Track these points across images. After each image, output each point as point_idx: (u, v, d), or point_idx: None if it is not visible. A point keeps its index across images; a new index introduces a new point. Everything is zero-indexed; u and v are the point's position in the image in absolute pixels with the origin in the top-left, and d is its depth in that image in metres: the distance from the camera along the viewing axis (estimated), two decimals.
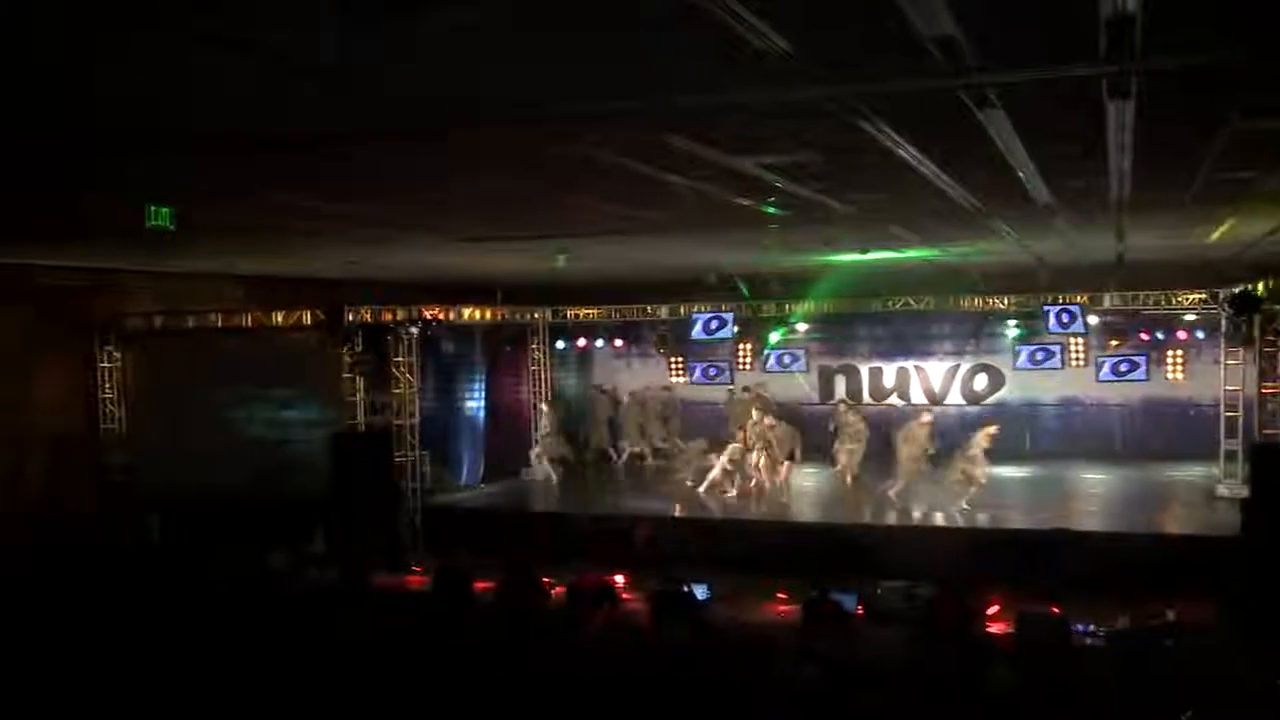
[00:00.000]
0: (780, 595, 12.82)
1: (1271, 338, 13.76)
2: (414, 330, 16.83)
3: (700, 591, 12.02)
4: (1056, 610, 10.53)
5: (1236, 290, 13.99)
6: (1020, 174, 8.43)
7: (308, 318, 16.62)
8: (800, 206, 10.05)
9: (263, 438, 18.11)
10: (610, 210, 10.33)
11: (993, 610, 11.54)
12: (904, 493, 17.28)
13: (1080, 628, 10.90)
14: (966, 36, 4.60)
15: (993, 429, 17.08)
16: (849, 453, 19.10)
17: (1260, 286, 13.32)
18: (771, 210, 10.31)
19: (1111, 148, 7.36)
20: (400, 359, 17.03)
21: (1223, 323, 17.13)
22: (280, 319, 17.00)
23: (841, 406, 20.48)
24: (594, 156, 7.33)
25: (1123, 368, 19.01)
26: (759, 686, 8.93)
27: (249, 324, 17.17)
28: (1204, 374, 19.91)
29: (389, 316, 16.69)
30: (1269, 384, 13.92)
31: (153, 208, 8.69)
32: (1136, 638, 10.01)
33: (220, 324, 17.21)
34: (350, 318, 16.22)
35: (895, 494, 17.28)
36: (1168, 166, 8.44)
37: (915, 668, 8.91)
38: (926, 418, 18.01)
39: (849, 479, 18.86)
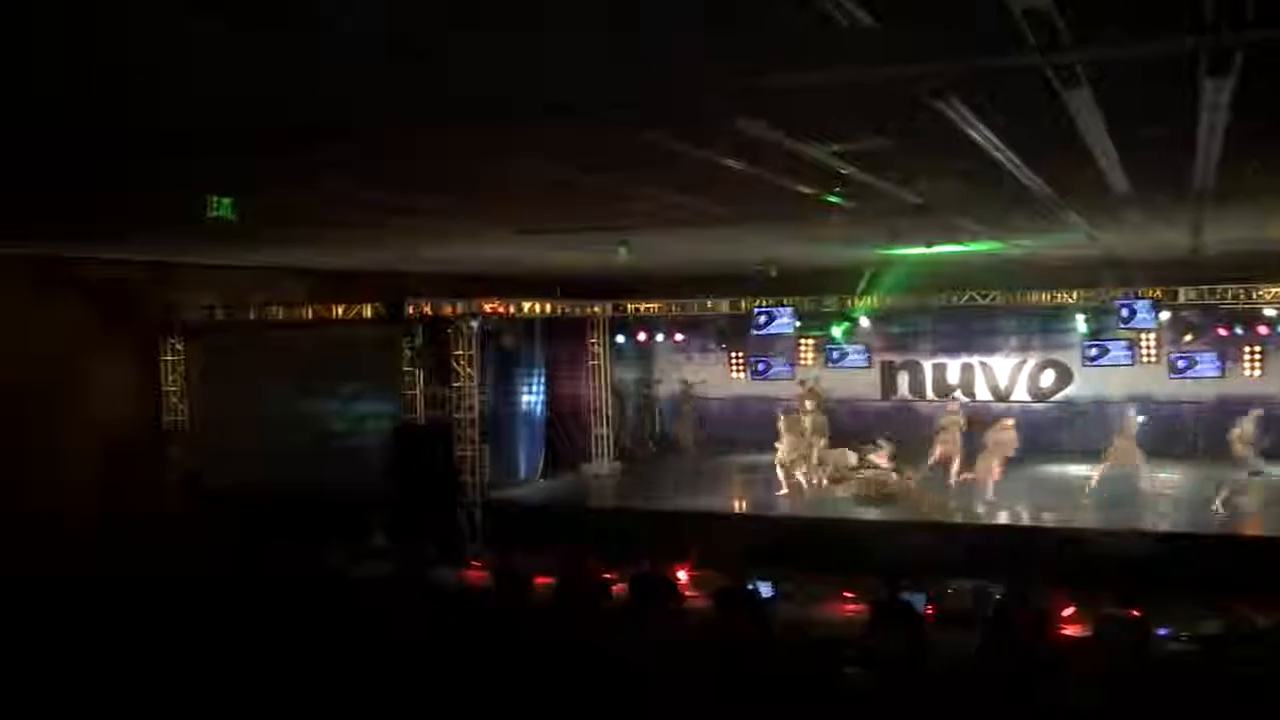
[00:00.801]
0: (847, 594, 12.57)
1: None
2: (474, 324, 16.78)
3: (765, 589, 11.82)
4: (1136, 614, 10.18)
5: None
6: (1101, 160, 8.14)
7: (368, 311, 16.61)
8: (869, 197, 9.81)
9: (324, 432, 18.17)
10: (674, 201, 10.15)
11: (1068, 613, 11.20)
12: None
13: (1163, 632, 10.55)
14: (1058, 7, 4.37)
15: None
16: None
17: None
18: (840, 201, 10.07)
19: (1201, 132, 7.07)
20: (460, 352, 16.98)
21: None
22: (340, 312, 17.01)
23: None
24: (660, 144, 7.16)
25: (1195, 364, 18.56)
26: (824, 686, 8.73)
27: (310, 317, 17.18)
28: None
29: (449, 310, 16.65)
30: None
31: (215, 199, 8.67)
32: (1225, 641, 9.67)
33: (281, 317, 17.24)
34: (410, 311, 16.19)
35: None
36: (1258, 154, 8.11)
37: (986, 672, 8.65)
38: (1009, 420, 17.92)
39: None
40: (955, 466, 18.27)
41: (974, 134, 6.89)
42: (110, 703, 8.69)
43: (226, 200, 8.74)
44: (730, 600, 10.70)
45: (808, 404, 19.54)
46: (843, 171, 8.41)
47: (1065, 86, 5.58)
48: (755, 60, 5.20)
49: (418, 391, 17.06)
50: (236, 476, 15.68)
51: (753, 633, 9.85)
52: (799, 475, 18.54)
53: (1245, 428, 17.68)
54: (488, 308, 17.02)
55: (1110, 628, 9.87)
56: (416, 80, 5.39)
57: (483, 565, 15.10)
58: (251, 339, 17.49)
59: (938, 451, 18.56)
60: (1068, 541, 14.26)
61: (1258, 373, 20.04)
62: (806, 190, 9.36)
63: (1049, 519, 16.26)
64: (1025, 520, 16.56)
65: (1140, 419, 17.46)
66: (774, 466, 18.94)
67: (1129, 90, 5.87)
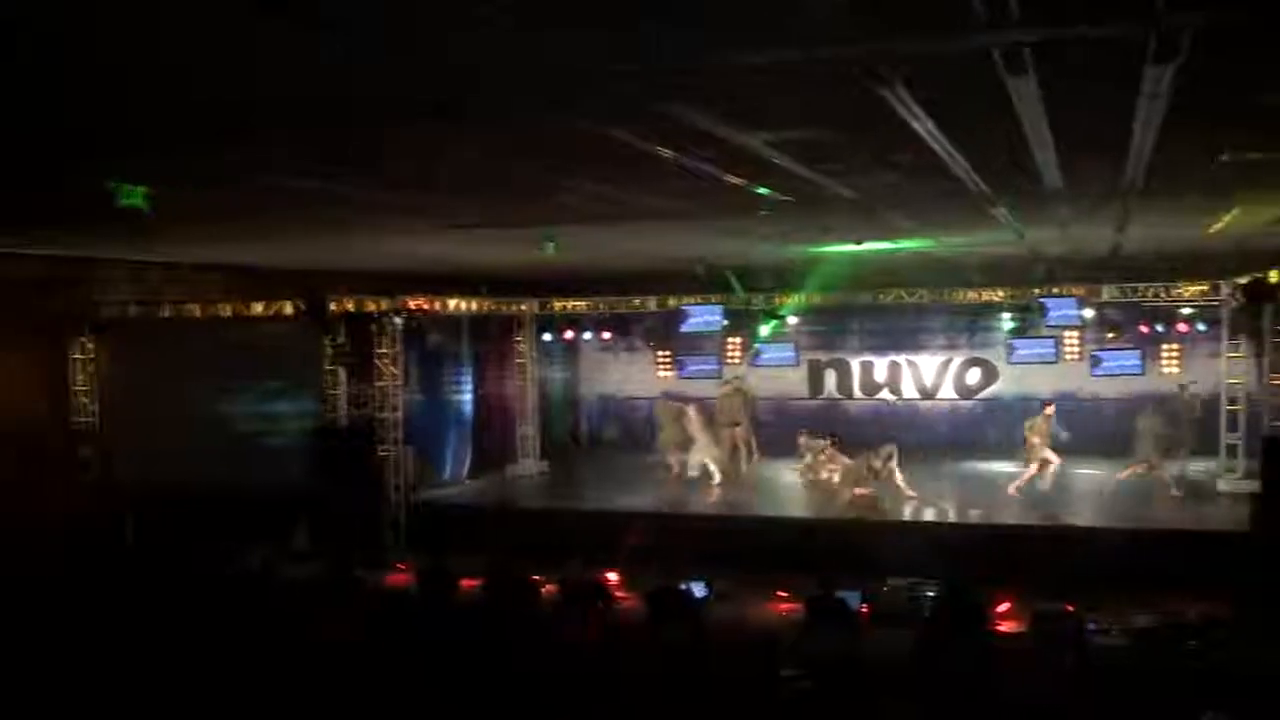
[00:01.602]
0: (781, 594, 12.44)
1: None
2: (398, 321, 16.41)
3: (698, 589, 11.64)
4: (1070, 608, 10.18)
5: (1246, 279, 13.65)
6: (1037, 154, 8.10)
7: (289, 308, 16.16)
8: (802, 191, 9.69)
9: (244, 431, 17.66)
10: (604, 193, 9.94)
11: (1003, 608, 11.19)
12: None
13: (1093, 625, 10.57)
14: None
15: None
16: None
17: (1273, 274, 13.03)
18: (772, 195, 9.94)
19: (1138, 123, 7.03)
20: (384, 351, 16.60)
21: (1224, 314, 16.89)
22: (260, 309, 16.51)
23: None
24: (591, 130, 6.94)
25: (1118, 361, 18.81)
26: (759, 687, 8.59)
27: (228, 314, 16.67)
28: (1200, 368, 19.70)
29: (372, 307, 16.26)
30: (1278, 375, 13.61)
31: (125, 187, 8.27)
32: (1159, 636, 9.69)
33: (198, 314, 16.72)
34: (332, 308, 15.77)
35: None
36: (1191, 147, 8.11)
37: (923, 668, 8.56)
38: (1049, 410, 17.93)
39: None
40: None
41: (914, 124, 6.77)
42: (24, 704, 8.32)
43: (138, 189, 8.34)
44: (663, 601, 10.51)
45: (732, 403, 19.59)
46: (776, 162, 8.26)
47: (1011, 73, 5.47)
48: (691, 41, 5.01)
49: (340, 390, 16.62)
50: (152, 476, 15.17)
51: (686, 634, 9.66)
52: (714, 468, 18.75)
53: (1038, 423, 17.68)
54: (412, 304, 16.64)
55: (1046, 623, 9.86)
56: (348, 71, 5.14)
57: (408, 567, 14.74)
58: (167, 336, 16.97)
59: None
60: (999, 537, 14.28)
61: (1176, 369, 20.35)
62: (738, 182, 9.19)
63: (975, 516, 16.36)
64: (952, 517, 16.65)
65: (1050, 413, 17.51)
66: (701, 466, 19.06)
67: (1071, 79, 5.80)
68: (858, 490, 16.91)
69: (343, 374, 16.52)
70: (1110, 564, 12.35)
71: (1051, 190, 9.93)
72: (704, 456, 19.13)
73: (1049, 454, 17.13)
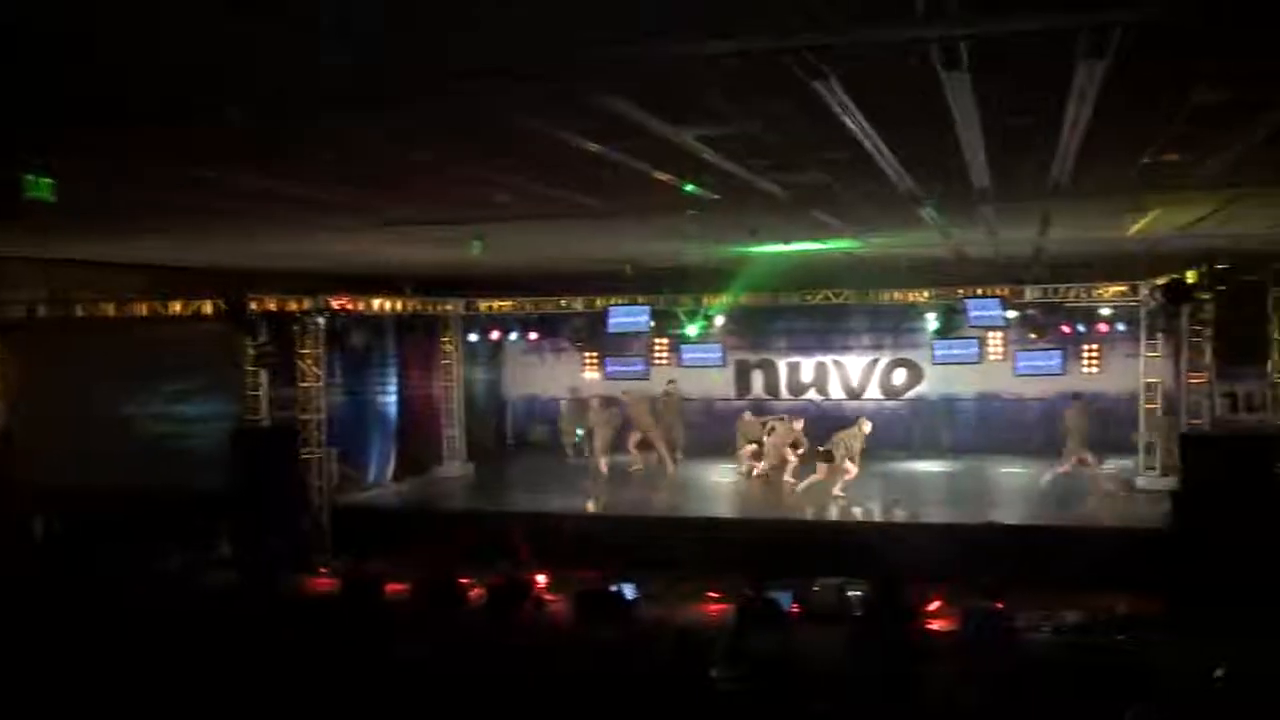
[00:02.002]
0: (711, 594, 12.38)
1: (1198, 327, 13.73)
2: (321, 321, 16.06)
3: (628, 591, 11.53)
4: (1000, 605, 10.25)
5: (1166, 280, 13.89)
6: (967, 153, 8.12)
7: (208, 307, 15.75)
8: (731, 189, 9.63)
9: (161, 434, 17.19)
10: (533, 190, 9.79)
11: (933, 606, 11.24)
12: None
13: (1022, 622, 10.64)
14: None
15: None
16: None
17: (1191, 275, 13.27)
18: (702, 193, 9.87)
19: (1067, 124, 7.08)
20: (306, 351, 16.25)
21: (1142, 315, 17.20)
22: (179, 308, 16.07)
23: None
24: (520, 124, 6.81)
25: (1039, 362, 19.08)
26: (690, 688, 8.50)
27: (145, 313, 16.20)
28: (1118, 368, 20.07)
29: (295, 306, 15.91)
30: (1196, 374, 13.88)
31: (32, 178, 7.93)
32: (1087, 631, 9.78)
33: (113, 313, 16.22)
34: (254, 307, 15.40)
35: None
36: (1116, 148, 8.19)
37: (853, 667, 8.53)
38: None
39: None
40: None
41: (846, 119, 6.74)
42: None
43: (45, 181, 8.01)
44: (592, 603, 10.39)
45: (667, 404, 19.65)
46: (706, 158, 8.19)
47: (946, 68, 5.44)
48: (626, 30, 4.91)
49: (262, 392, 16.24)
50: (64, 479, 14.69)
51: (616, 636, 9.54)
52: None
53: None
54: (335, 304, 16.31)
55: (976, 620, 9.91)
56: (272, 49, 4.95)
57: (331, 572, 14.43)
58: (81, 337, 16.46)
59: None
60: (927, 536, 14.36)
61: (1095, 369, 20.70)
62: (667, 178, 9.11)
63: (901, 515, 16.48)
64: (878, 516, 16.76)
65: (866, 429, 17.72)
66: (629, 467, 19.22)
67: (1005, 76, 5.80)
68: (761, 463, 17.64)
69: (264, 375, 16.14)
70: (1036, 561, 12.50)
71: (979, 190, 9.98)
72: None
73: (850, 465, 17.27)
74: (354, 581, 11.90)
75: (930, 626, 10.93)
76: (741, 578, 11.10)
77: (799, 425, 18.56)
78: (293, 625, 9.93)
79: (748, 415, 20.24)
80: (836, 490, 16.96)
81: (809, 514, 16.65)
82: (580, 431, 21.80)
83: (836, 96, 6.11)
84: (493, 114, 6.61)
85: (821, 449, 17.25)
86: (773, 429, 18.76)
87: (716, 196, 10.13)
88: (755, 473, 18.96)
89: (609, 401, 21.03)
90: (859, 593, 11.29)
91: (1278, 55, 5.59)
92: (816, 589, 11.87)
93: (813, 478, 17.27)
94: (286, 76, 5.44)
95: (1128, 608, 10.49)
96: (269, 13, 4.39)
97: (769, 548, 13.66)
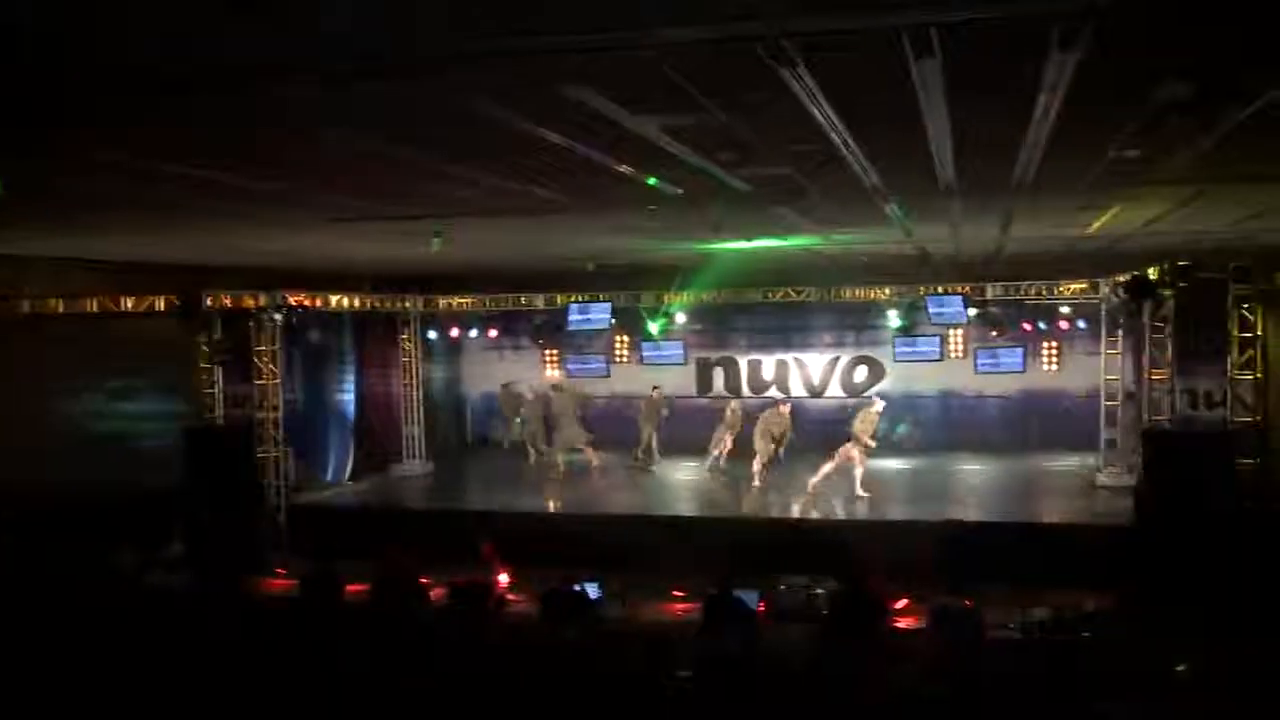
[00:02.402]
0: (677, 593, 12.27)
1: (1159, 324, 13.78)
2: (277, 317, 15.80)
3: (592, 590, 11.39)
4: (968, 603, 10.20)
5: (1126, 277, 13.93)
6: (934, 147, 8.06)
7: (161, 304, 15.44)
8: (696, 183, 9.52)
9: (112, 432, 16.83)
10: (491, 184, 9.62)
11: (901, 605, 11.18)
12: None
13: (990, 619, 10.59)
14: None
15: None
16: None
17: (1153, 271, 13.31)
18: (665, 187, 9.74)
19: (1035, 118, 7.03)
20: (263, 348, 15.99)
21: (1103, 312, 17.28)
22: (131, 305, 15.75)
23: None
24: (478, 113, 6.64)
25: (999, 359, 19.14)
26: (655, 689, 8.37)
27: (94, 309, 15.86)
28: (1078, 365, 20.19)
29: (250, 303, 15.65)
30: (1158, 371, 13.93)
31: None
32: (1055, 629, 9.75)
33: (62, 310, 15.86)
34: (208, 303, 15.11)
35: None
36: (1081, 142, 8.15)
37: (822, 667, 8.44)
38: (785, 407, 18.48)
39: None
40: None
41: (814, 110, 6.64)
42: None
43: None
44: (556, 603, 10.24)
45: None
46: (670, 150, 8.06)
47: (918, 56, 5.36)
48: (589, 15, 4.78)
49: (216, 389, 15.95)
50: (13, 475, 14.31)
51: (579, 636, 9.40)
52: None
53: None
54: (293, 300, 16.05)
55: (946, 619, 9.85)
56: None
57: (289, 573, 14.19)
58: (32, 333, 16.06)
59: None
60: (889, 534, 14.33)
61: (1055, 368, 20.81)
62: (629, 171, 8.98)
63: (863, 513, 16.47)
64: (840, 514, 16.72)
65: (878, 410, 17.76)
66: (590, 466, 19.37)
67: (976, 67, 5.73)
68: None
69: (219, 373, 15.86)
70: (1000, 558, 12.48)
71: (945, 186, 9.94)
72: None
73: (858, 453, 17.14)
74: (313, 581, 11.66)
75: (898, 625, 10.87)
76: (707, 577, 10.97)
77: (786, 409, 18.52)
78: (250, 625, 9.69)
79: (734, 404, 20.34)
80: (859, 490, 16.79)
81: (773, 512, 16.58)
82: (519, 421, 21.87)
83: (804, 84, 6.00)
84: (449, 103, 6.43)
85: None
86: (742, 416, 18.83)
87: (680, 191, 10.01)
88: (723, 463, 19.08)
89: (540, 393, 21.20)
90: (826, 591, 11.21)
91: (1239, 51, 5.56)
92: (783, 588, 11.79)
93: (825, 469, 17.10)
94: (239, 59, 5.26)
95: (1095, 605, 10.47)
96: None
97: (734, 546, 13.56)
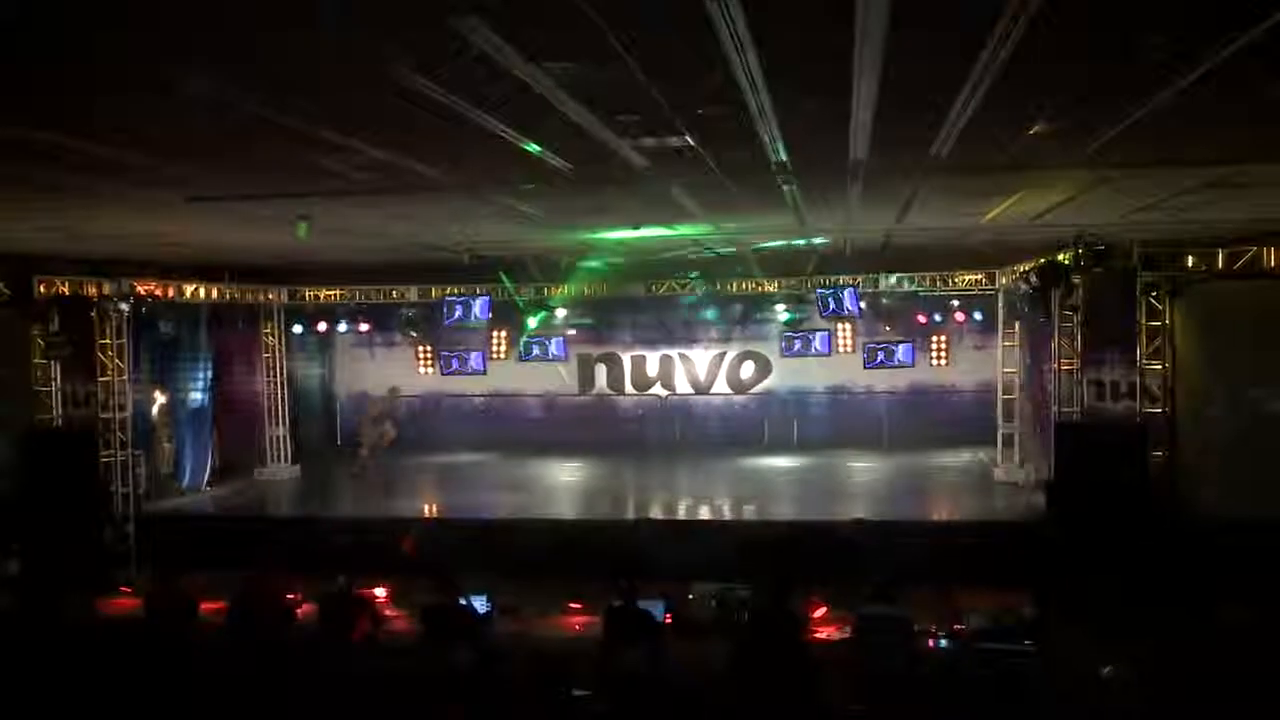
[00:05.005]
0: (574, 605, 11.40)
1: (1068, 312, 13.47)
2: (124, 308, 14.45)
3: (479, 603, 10.42)
4: (897, 612, 9.52)
5: (1041, 262, 13.55)
6: (855, 113, 7.42)
7: None
8: (586, 155, 8.72)
9: None
10: (366, 157, 8.66)
11: (819, 614, 10.50)
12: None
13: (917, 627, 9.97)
14: None
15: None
16: None
17: (1064, 256, 12.97)
18: (551, 158, 8.92)
19: (969, 84, 6.48)
20: (107, 341, 14.62)
21: (1000, 303, 17.08)
22: None
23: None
24: (355, 58, 5.73)
25: (889, 354, 18.85)
26: (553, 713, 7.54)
27: None
28: (967, 359, 20.09)
29: (93, 291, 14.30)
30: (1066, 362, 13.62)
31: None
32: (995, 637, 9.18)
33: None
34: (42, 290, 13.71)
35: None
36: (1005, 115, 7.64)
37: (740, 683, 7.71)
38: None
39: None
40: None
41: (736, 60, 5.90)
42: None
43: None
44: (440, 619, 9.30)
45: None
46: (562, 109, 7.23)
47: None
48: None
49: (54, 388, 14.51)
50: None
51: (468, 655, 8.50)
52: None
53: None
54: (141, 289, 14.70)
55: (872, 628, 9.16)
56: None
57: (134, 591, 12.89)
58: None
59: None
60: (798, 535, 13.63)
61: (943, 362, 20.64)
62: (515, 136, 8.12)
63: (769, 513, 15.94)
64: (728, 513, 16.16)
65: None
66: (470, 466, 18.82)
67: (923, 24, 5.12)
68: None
69: (57, 368, 14.43)
70: (914, 560, 11.94)
71: (854, 163, 9.38)
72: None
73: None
74: (161, 600, 10.47)
75: (818, 635, 10.20)
76: (608, 585, 10.11)
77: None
78: (80, 653, 8.52)
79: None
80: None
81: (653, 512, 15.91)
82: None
83: (734, 30, 5.27)
84: (323, 44, 5.50)
85: None
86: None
87: (568, 165, 9.21)
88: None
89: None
90: (738, 599, 10.46)
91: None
92: (692, 596, 11.02)
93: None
94: None
95: (1031, 611, 9.96)
96: None
97: (636, 549, 12.73)
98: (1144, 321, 12.74)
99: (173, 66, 5.94)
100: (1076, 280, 12.58)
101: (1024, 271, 14.29)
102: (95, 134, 7.75)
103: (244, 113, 6.98)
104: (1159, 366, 12.77)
